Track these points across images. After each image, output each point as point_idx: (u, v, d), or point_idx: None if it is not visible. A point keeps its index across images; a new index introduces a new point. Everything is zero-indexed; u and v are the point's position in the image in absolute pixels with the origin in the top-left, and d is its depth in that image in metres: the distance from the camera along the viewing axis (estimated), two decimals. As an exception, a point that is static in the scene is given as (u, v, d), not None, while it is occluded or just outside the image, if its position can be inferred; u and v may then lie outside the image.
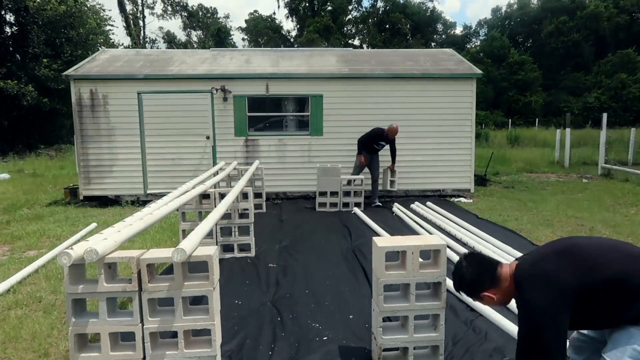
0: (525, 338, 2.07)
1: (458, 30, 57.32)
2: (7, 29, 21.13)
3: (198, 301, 3.17)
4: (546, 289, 2.00)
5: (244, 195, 5.96)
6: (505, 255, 5.22)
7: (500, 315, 3.52)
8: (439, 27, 54.44)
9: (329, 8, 46.86)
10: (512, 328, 3.32)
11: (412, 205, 8.39)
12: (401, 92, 9.53)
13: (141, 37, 38.37)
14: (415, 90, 9.55)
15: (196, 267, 2.80)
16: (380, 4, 49.34)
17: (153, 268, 2.70)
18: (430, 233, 6.48)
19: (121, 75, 9.24)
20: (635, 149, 15.57)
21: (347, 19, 49.09)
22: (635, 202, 8.70)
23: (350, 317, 3.80)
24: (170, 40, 50.49)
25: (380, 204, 8.71)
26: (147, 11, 42.33)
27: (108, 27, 24.97)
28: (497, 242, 5.70)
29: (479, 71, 9.95)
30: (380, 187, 9.03)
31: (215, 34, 44.45)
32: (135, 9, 38.13)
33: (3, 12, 20.82)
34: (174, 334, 2.75)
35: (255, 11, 61.31)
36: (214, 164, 8.98)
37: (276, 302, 4.12)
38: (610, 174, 12.42)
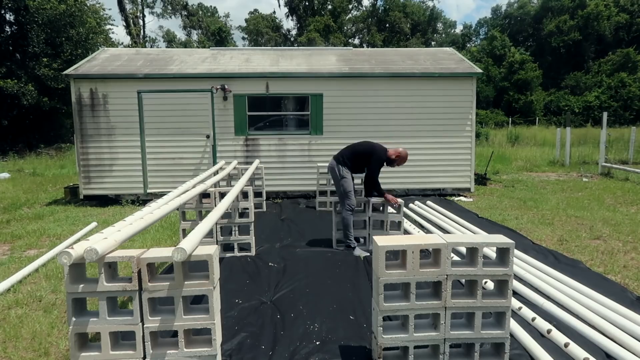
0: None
1: (458, 30, 57.39)
2: (7, 28, 21.10)
3: (198, 300, 3.17)
4: None
5: (244, 195, 5.96)
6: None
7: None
8: (439, 26, 54.47)
9: (329, 7, 46.83)
10: (524, 337, 3.32)
11: (412, 205, 8.39)
12: (401, 91, 9.53)
13: (141, 37, 38.33)
14: (415, 89, 9.55)
15: (196, 266, 2.80)
16: (380, 3, 49.34)
17: (153, 267, 2.70)
18: (429, 232, 6.48)
19: (121, 75, 9.23)
20: (635, 148, 15.56)
21: (347, 18, 49.06)
22: (635, 201, 8.70)
23: (351, 317, 3.80)
24: (170, 40, 50.48)
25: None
26: (146, 10, 42.31)
27: (108, 27, 24.92)
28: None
29: (479, 70, 9.95)
30: None
31: (215, 33, 44.43)
32: (135, 8, 38.09)
33: (3, 12, 20.79)
34: (175, 333, 2.75)
35: (256, 10, 61.26)
36: (214, 163, 8.98)
37: (276, 301, 4.12)
38: (610, 173, 12.42)
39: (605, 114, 13.90)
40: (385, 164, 5.69)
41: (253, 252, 5.61)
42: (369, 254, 5.42)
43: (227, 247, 5.71)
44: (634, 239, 6.02)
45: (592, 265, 5.02)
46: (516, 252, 5.24)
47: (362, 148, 5.79)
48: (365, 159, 5.68)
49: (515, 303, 3.77)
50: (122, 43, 36.80)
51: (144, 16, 40.16)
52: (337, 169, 5.76)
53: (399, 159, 5.69)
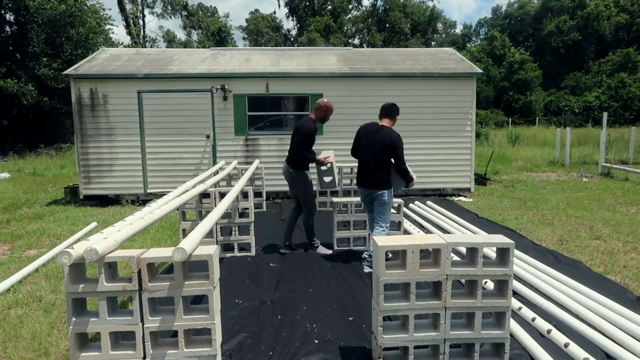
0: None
1: (458, 30, 57.41)
2: (7, 28, 21.12)
3: (198, 300, 3.17)
4: None
5: (244, 195, 5.96)
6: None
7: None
8: (439, 26, 54.47)
9: (329, 7, 46.84)
10: (524, 337, 3.32)
11: (412, 205, 8.39)
12: (401, 91, 9.52)
13: (141, 37, 38.34)
14: (415, 89, 9.54)
15: (196, 266, 2.80)
16: (380, 3, 49.35)
17: (153, 267, 2.70)
18: (429, 232, 6.48)
19: (121, 75, 9.23)
20: (635, 148, 15.56)
21: (347, 18, 49.07)
22: (635, 201, 8.70)
23: (351, 317, 3.80)
24: (170, 40, 50.48)
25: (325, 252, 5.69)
26: (146, 10, 42.31)
27: (108, 27, 24.94)
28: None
29: (479, 70, 9.95)
30: None
31: (215, 33, 44.43)
32: (135, 8, 38.10)
33: (3, 12, 20.80)
34: (175, 334, 2.75)
35: (256, 10, 61.26)
36: (214, 163, 8.98)
37: (277, 302, 4.12)
38: (610, 173, 12.41)
39: (605, 114, 13.90)
40: (315, 129, 5.40)
41: (253, 252, 5.61)
42: (331, 252, 5.59)
43: (227, 247, 5.71)
44: (634, 239, 6.02)
45: (592, 265, 5.02)
46: (516, 252, 5.24)
47: (295, 133, 5.37)
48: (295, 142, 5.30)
49: (515, 303, 3.77)
50: (122, 43, 36.82)
51: (144, 16, 40.19)
52: (289, 172, 5.41)
53: (327, 110, 5.55)
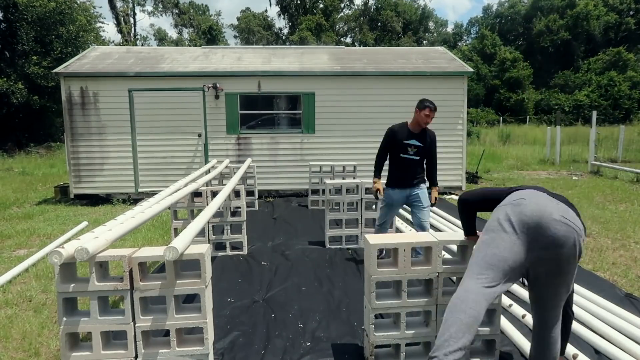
0: None
1: (449, 29, 57.62)
2: (-4, 26, 20.87)
3: (190, 299, 3.16)
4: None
5: (236, 193, 5.94)
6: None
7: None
8: (431, 25, 54.63)
9: (321, 6, 46.81)
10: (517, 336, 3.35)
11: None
12: (393, 89, 9.55)
13: (132, 35, 38.06)
14: (406, 87, 9.57)
15: (188, 265, 2.80)
16: (372, 2, 49.38)
17: (145, 266, 2.69)
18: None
19: (112, 73, 9.17)
20: (624, 146, 15.71)
21: (339, 16, 49.06)
22: (624, 199, 8.79)
23: (343, 315, 3.81)
24: (162, 38, 50.16)
25: None
26: (137, 8, 41.99)
27: (98, 25, 24.73)
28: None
29: (470, 69, 10.01)
30: None
31: (206, 31, 44.24)
32: (125, 6, 37.80)
33: (-9, 9, 20.55)
34: (166, 333, 2.74)
35: (248, 9, 61.02)
36: (206, 161, 8.95)
37: (269, 300, 4.12)
38: (600, 171, 12.53)
39: (594, 113, 14.03)
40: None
41: (245, 251, 5.60)
42: None
43: (219, 246, 5.70)
44: (622, 236, 6.09)
45: (582, 262, 5.07)
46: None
47: None
48: None
49: (505, 300, 3.80)
50: (113, 41, 36.53)
51: (134, 14, 39.90)
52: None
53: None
